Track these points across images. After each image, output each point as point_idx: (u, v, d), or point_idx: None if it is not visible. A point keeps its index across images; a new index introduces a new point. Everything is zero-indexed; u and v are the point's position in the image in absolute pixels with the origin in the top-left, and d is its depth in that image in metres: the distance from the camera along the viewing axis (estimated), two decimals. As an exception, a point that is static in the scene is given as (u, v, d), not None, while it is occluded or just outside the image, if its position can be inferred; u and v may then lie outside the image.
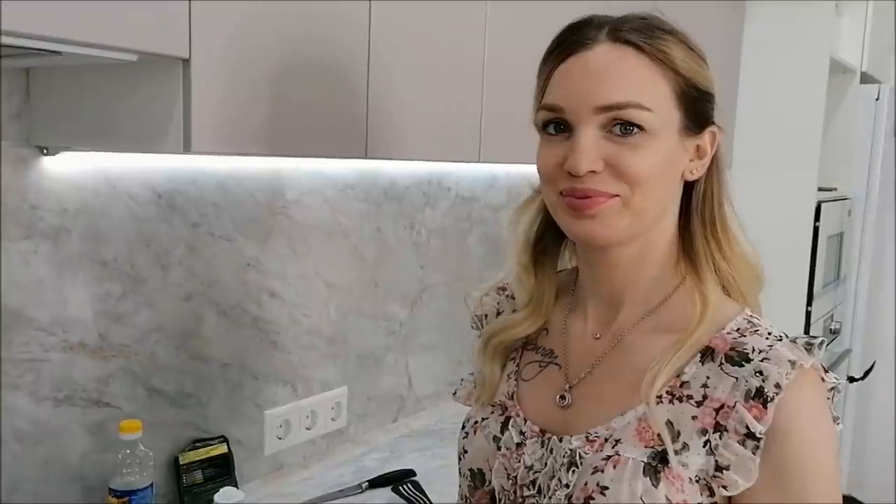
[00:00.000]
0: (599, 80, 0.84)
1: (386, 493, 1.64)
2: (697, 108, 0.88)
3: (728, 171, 0.94)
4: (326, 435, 1.83)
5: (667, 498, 0.80)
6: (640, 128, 0.83)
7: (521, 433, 0.93)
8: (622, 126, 0.83)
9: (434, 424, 2.07)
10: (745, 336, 0.85)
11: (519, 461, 0.92)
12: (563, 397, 0.93)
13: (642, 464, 0.82)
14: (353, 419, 1.91)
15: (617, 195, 0.84)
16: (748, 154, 2.80)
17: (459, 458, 1.01)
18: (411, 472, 1.72)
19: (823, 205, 2.88)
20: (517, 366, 1.00)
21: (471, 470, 0.98)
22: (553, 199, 0.88)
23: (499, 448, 0.95)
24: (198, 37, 1.02)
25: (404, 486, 1.64)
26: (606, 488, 0.83)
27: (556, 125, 0.87)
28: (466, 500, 1.00)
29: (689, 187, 0.92)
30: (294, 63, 1.17)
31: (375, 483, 1.67)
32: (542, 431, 0.92)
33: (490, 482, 0.95)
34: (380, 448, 1.89)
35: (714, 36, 2.61)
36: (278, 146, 1.18)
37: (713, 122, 0.90)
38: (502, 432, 0.95)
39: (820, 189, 2.89)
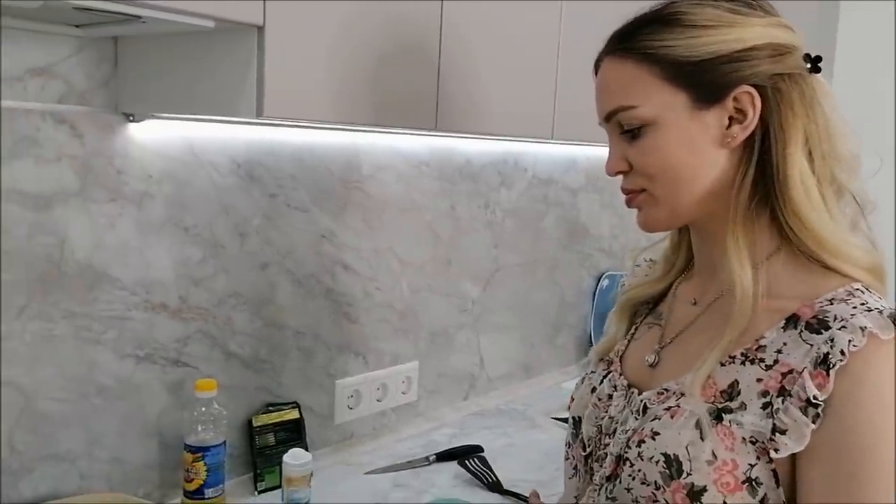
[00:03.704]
0: (599, 94, 0.95)
1: (452, 466, 1.65)
2: (703, 80, 0.87)
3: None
4: (397, 408, 1.86)
5: (713, 453, 0.82)
6: (641, 124, 0.89)
7: (614, 386, 0.99)
8: (625, 128, 0.91)
9: (505, 405, 2.08)
10: (833, 304, 0.83)
11: (605, 412, 0.98)
12: (650, 357, 0.98)
13: (696, 416, 0.84)
14: (424, 394, 1.94)
15: (644, 189, 0.92)
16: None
17: (569, 408, 1.08)
18: (479, 448, 1.73)
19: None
20: (636, 327, 1.06)
21: (573, 418, 1.05)
22: None
23: (594, 399, 1.01)
24: (272, 5, 1.05)
25: (471, 461, 1.64)
26: (658, 434, 0.87)
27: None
28: (569, 447, 1.06)
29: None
30: (366, 33, 1.19)
31: (442, 456, 1.69)
32: (629, 386, 0.97)
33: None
34: (449, 424, 1.91)
35: (807, 36, 2.53)
36: (347, 114, 1.21)
37: (742, 83, 0.86)
38: (600, 384, 1.02)
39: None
